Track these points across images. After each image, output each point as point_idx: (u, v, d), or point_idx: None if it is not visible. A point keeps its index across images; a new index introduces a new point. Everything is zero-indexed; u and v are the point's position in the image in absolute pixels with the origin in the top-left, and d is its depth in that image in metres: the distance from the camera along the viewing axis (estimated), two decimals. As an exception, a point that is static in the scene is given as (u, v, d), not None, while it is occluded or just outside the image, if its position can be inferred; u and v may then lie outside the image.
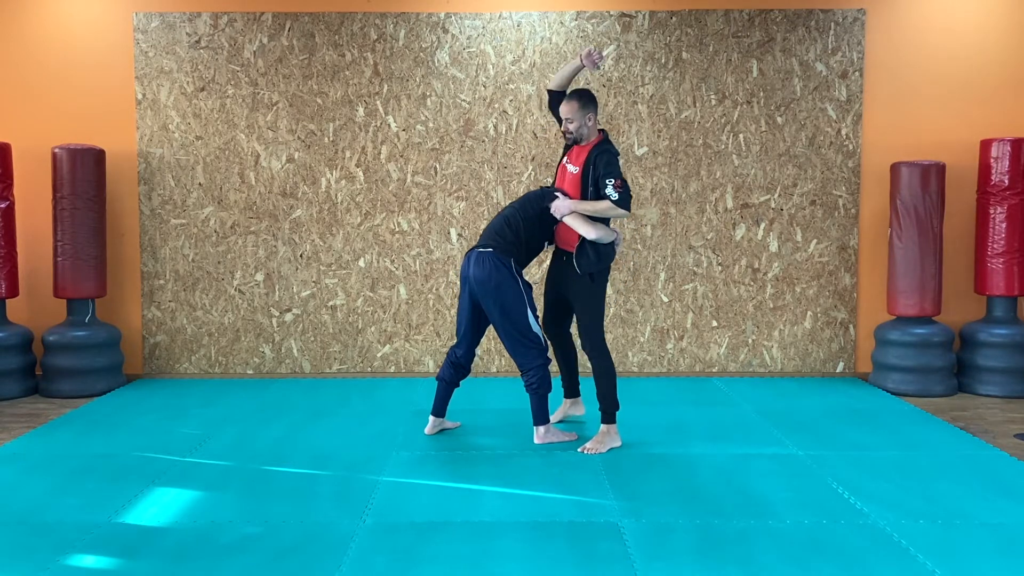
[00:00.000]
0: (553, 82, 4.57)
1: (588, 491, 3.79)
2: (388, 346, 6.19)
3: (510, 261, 4.31)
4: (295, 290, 6.15)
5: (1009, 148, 5.71)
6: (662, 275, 6.14)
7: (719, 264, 6.13)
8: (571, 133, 4.33)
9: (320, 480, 3.96)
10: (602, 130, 4.44)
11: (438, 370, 6.14)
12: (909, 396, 5.70)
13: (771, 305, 6.16)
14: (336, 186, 6.09)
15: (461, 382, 4.62)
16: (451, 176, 6.08)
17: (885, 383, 5.84)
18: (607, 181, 4.18)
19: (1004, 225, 5.74)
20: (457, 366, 4.53)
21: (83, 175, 5.71)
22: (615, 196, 4.16)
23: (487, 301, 4.31)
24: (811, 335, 6.19)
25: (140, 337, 6.18)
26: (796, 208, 6.11)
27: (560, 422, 4.85)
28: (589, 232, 4.23)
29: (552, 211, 4.32)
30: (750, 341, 6.18)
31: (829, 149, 6.08)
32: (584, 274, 4.31)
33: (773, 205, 6.10)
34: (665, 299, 6.16)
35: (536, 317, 4.37)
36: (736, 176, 6.08)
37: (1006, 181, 5.73)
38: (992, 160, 5.77)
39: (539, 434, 4.47)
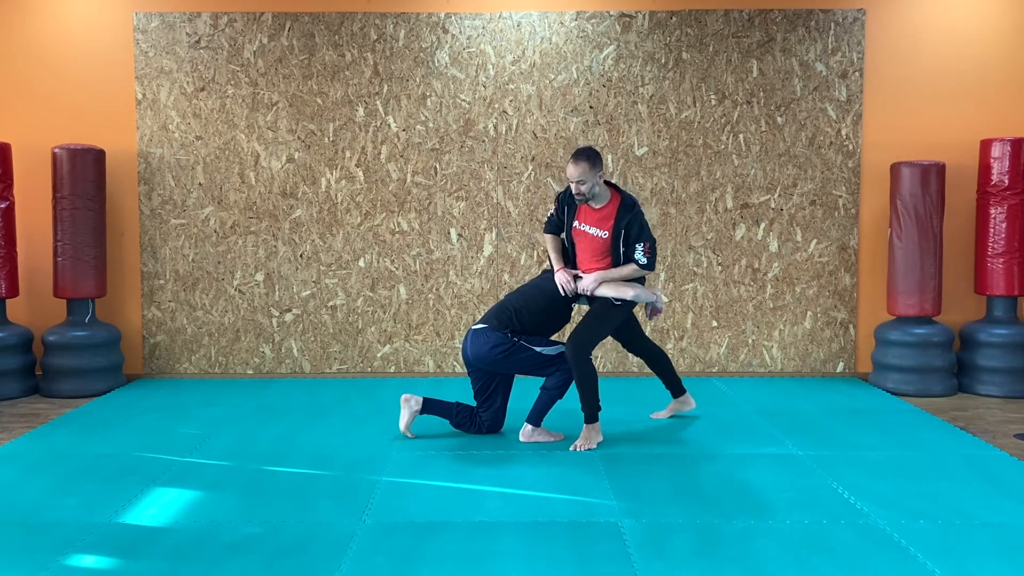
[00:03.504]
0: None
1: (588, 491, 3.79)
2: (388, 346, 6.19)
3: (506, 332, 4.38)
4: (295, 290, 6.15)
5: (1009, 148, 5.71)
6: (662, 275, 6.13)
7: (719, 264, 6.13)
8: (582, 195, 4.32)
9: (320, 480, 3.96)
10: (612, 184, 4.46)
11: (438, 370, 6.16)
12: (909, 396, 5.70)
13: (771, 305, 6.16)
14: (336, 186, 6.09)
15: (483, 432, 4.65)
16: (451, 176, 6.08)
17: (885, 383, 5.84)
18: (637, 246, 4.32)
19: (1004, 225, 5.74)
20: (486, 430, 4.61)
21: (83, 175, 5.71)
22: (643, 261, 4.33)
23: (496, 369, 4.44)
24: (811, 335, 6.19)
25: (140, 337, 6.18)
26: (796, 208, 6.11)
27: (671, 417, 5.04)
28: (627, 294, 4.35)
29: (581, 290, 4.39)
30: (750, 341, 6.18)
31: (829, 149, 6.08)
32: (614, 301, 4.39)
33: (773, 205, 6.10)
34: (665, 299, 6.15)
35: (548, 343, 4.43)
36: (736, 176, 6.08)
37: (1006, 181, 5.73)
38: (992, 160, 5.77)
39: (525, 432, 4.52)
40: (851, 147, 6.08)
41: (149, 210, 6.10)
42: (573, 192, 4.35)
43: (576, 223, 4.45)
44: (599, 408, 4.44)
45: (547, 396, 4.46)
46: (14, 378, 5.66)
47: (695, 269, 6.13)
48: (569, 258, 4.56)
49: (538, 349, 4.40)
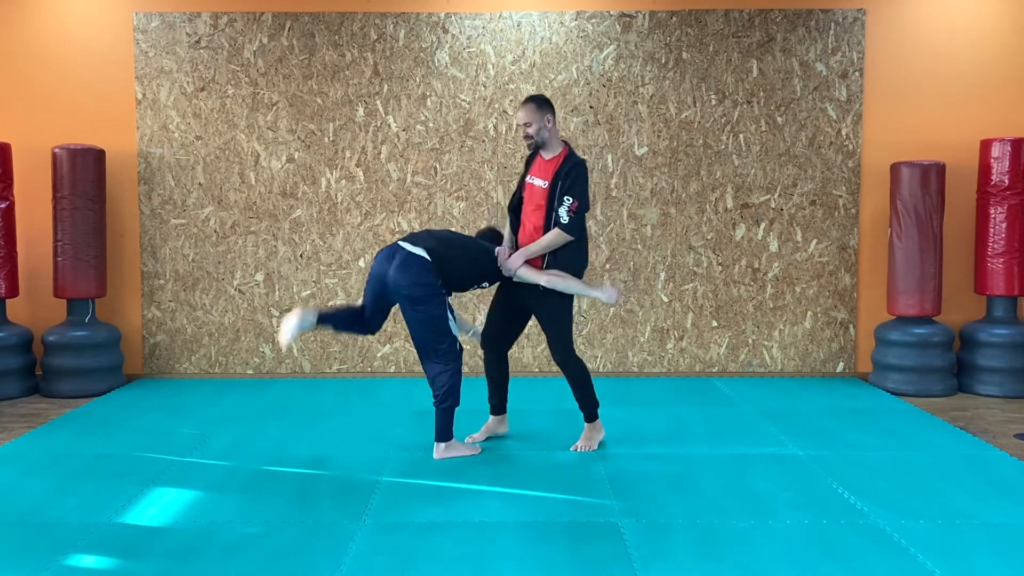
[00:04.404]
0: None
1: (588, 491, 3.79)
2: (388, 346, 6.19)
3: (438, 280, 4.07)
4: (295, 290, 6.15)
5: (1009, 148, 5.71)
6: (662, 275, 6.14)
7: (719, 264, 6.13)
8: (531, 138, 4.22)
9: (320, 480, 3.96)
10: (565, 141, 4.33)
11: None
12: (909, 396, 5.70)
13: (771, 305, 6.16)
14: (336, 186, 6.09)
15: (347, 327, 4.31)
16: (451, 176, 6.08)
17: (885, 383, 5.84)
18: (565, 199, 4.12)
19: (1004, 225, 5.74)
20: (359, 322, 4.25)
21: (83, 175, 5.71)
22: (565, 219, 4.11)
23: (400, 302, 4.10)
24: (811, 335, 6.19)
25: (140, 337, 6.18)
26: (796, 208, 6.11)
27: (485, 440, 4.55)
28: (540, 279, 4.13)
29: (504, 271, 4.22)
30: (750, 341, 6.18)
31: (829, 149, 6.08)
32: (546, 290, 4.19)
33: (773, 205, 6.10)
34: (665, 299, 6.16)
35: (455, 318, 4.17)
36: (736, 176, 6.08)
37: (1006, 181, 5.73)
38: (992, 160, 5.77)
39: (439, 450, 4.23)
40: (851, 147, 6.08)
41: (149, 210, 6.10)
42: (522, 136, 4.27)
43: (529, 177, 4.33)
44: (597, 404, 4.41)
45: (442, 412, 4.18)
46: (14, 378, 5.66)
47: (695, 269, 6.13)
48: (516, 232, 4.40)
49: (450, 317, 4.13)
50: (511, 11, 6.02)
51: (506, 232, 4.45)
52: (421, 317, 4.07)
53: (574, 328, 6.08)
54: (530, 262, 4.22)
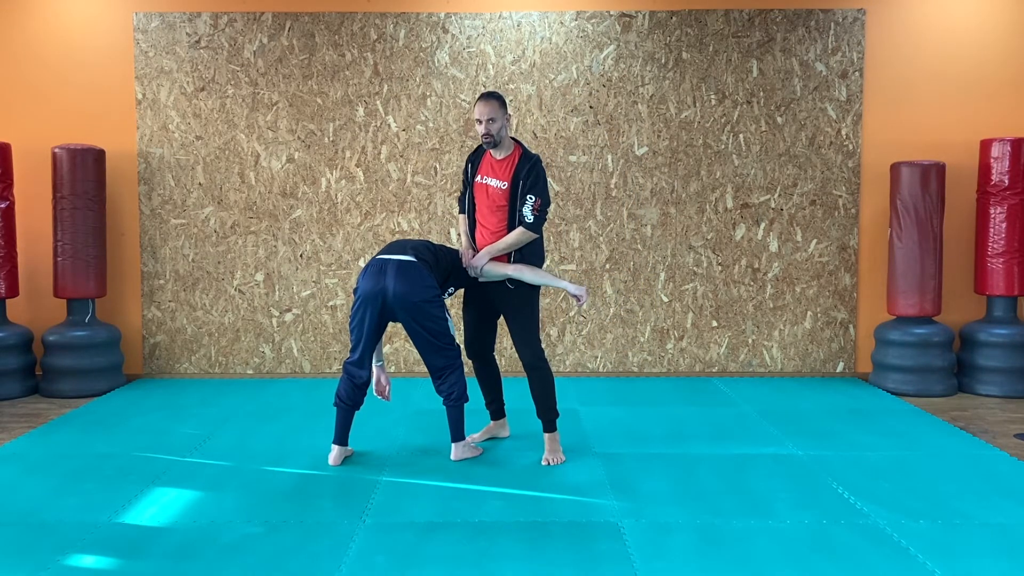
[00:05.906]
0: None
1: (588, 491, 3.79)
2: (388, 346, 6.19)
3: (433, 279, 4.05)
4: (295, 290, 6.15)
5: (1009, 148, 5.71)
6: (662, 275, 6.14)
7: (719, 264, 6.13)
8: (491, 135, 4.14)
9: (320, 480, 3.96)
10: (515, 139, 4.28)
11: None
12: (909, 396, 5.70)
13: (771, 305, 6.16)
14: (336, 186, 6.09)
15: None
16: (451, 176, 6.08)
17: (885, 383, 5.85)
18: (528, 198, 4.10)
19: (1004, 225, 5.74)
20: (361, 387, 4.18)
21: (83, 175, 5.71)
22: (530, 218, 4.11)
23: (405, 315, 4.03)
24: (811, 335, 6.19)
25: (140, 337, 6.18)
26: (796, 208, 6.11)
27: (485, 440, 4.58)
28: (511, 271, 4.13)
29: (471, 271, 4.20)
30: (750, 341, 6.18)
31: (829, 149, 6.08)
32: (515, 286, 4.18)
33: (773, 205, 6.10)
34: (665, 299, 6.16)
35: (449, 317, 4.15)
36: (736, 176, 6.08)
37: (1006, 181, 5.73)
38: (992, 160, 5.78)
39: (457, 451, 4.24)
40: (851, 147, 6.08)
41: (149, 210, 6.11)
42: (481, 133, 4.16)
43: (479, 177, 4.26)
44: (558, 414, 4.27)
45: (456, 410, 4.19)
46: (14, 378, 5.66)
47: (695, 269, 6.13)
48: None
49: (448, 319, 4.11)
50: (511, 11, 6.02)
51: (462, 231, 4.42)
52: (426, 323, 4.04)
53: (575, 328, 6.11)
54: (495, 260, 4.21)
